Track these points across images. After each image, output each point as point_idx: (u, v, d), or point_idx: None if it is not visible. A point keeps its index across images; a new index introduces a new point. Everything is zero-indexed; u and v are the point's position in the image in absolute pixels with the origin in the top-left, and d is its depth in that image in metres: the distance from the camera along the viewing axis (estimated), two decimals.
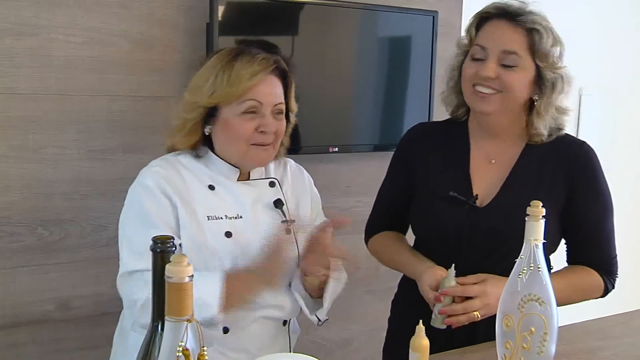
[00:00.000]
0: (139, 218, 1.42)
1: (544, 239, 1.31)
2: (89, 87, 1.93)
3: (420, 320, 1.17)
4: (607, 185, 1.54)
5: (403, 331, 1.61)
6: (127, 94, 1.99)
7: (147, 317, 1.22)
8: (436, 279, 1.41)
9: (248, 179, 1.54)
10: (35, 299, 1.92)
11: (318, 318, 1.54)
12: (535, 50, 1.44)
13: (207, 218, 1.45)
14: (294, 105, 1.57)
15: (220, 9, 1.98)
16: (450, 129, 1.61)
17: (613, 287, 1.55)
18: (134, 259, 1.39)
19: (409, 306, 1.61)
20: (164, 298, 0.75)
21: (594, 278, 1.51)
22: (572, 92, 1.54)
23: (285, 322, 1.58)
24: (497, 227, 1.47)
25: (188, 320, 0.73)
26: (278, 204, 1.53)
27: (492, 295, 1.38)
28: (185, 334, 0.73)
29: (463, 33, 2.51)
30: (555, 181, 1.49)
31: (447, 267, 1.42)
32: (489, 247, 1.48)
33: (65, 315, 1.96)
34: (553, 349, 1.17)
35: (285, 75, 1.53)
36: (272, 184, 1.57)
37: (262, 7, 2.10)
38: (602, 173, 1.54)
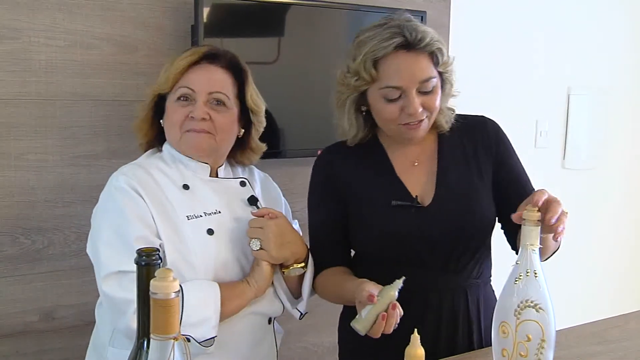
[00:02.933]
0: (116, 218, 1.38)
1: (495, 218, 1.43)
2: (72, 92, 1.89)
3: (416, 329, 1.13)
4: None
5: (355, 344, 1.59)
6: (111, 98, 1.95)
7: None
8: (376, 286, 1.31)
9: (217, 177, 1.55)
10: (18, 309, 1.87)
11: (299, 311, 1.57)
12: (440, 62, 1.45)
13: (186, 218, 1.43)
14: (253, 104, 1.56)
15: (206, 11, 1.95)
16: (361, 145, 1.58)
17: None
18: (118, 260, 1.34)
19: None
20: (149, 314, 0.72)
21: None
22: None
23: (270, 320, 1.57)
24: (448, 221, 1.47)
25: (175, 339, 0.70)
26: (253, 200, 1.55)
27: None
28: (172, 353, 0.70)
29: (451, 35, 2.49)
30: (479, 158, 1.54)
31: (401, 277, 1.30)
32: (446, 245, 1.47)
33: (49, 326, 1.91)
34: (551, 356, 1.15)
35: (240, 72, 1.54)
36: (242, 184, 1.58)
37: (247, 8, 2.06)
38: (506, 134, 1.61)
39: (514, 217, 1.20)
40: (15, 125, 1.82)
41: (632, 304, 2.94)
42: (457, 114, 1.58)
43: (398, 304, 1.26)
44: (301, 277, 1.54)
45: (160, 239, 1.39)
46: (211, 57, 1.50)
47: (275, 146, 2.19)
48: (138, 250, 0.81)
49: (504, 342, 1.15)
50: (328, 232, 1.58)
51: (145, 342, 0.79)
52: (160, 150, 1.56)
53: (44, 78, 1.85)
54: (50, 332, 1.91)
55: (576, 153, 3.14)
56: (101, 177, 1.92)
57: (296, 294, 1.57)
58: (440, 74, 1.47)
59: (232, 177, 1.58)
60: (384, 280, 1.33)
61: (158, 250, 0.81)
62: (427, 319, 1.48)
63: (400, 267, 1.45)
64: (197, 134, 1.47)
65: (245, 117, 1.57)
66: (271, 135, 2.17)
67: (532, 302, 1.12)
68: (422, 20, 2.39)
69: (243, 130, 1.58)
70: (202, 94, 1.46)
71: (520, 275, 1.12)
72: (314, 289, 1.58)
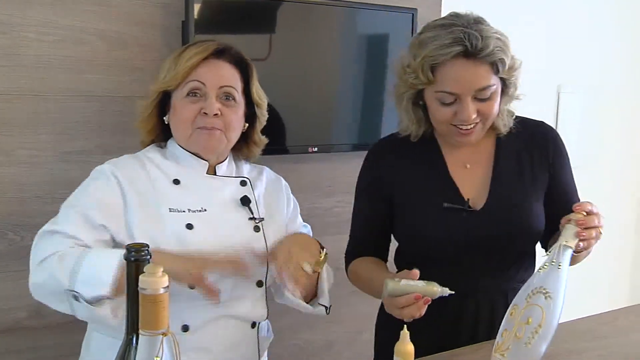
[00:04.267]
0: (79, 191, 1.45)
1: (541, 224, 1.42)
2: (64, 87, 1.88)
3: (405, 326, 1.14)
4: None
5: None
6: (103, 94, 1.94)
7: (37, 277, 1.30)
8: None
9: (215, 174, 1.53)
10: (8, 306, 1.86)
11: (324, 305, 1.51)
12: (500, 72, 1.43)
13: (169, 210, 1.43)
14: (258, 98, 1.56)
15: (197, 7, 1.94)
16: (417, 141, 1.57)
17: None
18: (56, 222, 1.38)
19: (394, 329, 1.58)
20: (138, 310, 0.72)
21: None
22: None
23: (254, 325, 1.54)
24: (499, 227, 1.46)
25: (163, 334, 0.70)
26: (245, 201, 1.51)
27: None
28: (161, 348, 0.70)
29: None
30: (535, 166, 1.52)
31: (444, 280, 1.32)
32: (493, 250, 1.47)
33: (40, 323, 1.90)
34: (543, 346, 1.15)
35: (245, 66, 1.53)
36: (243, 183, 1.55)
37: (238, 4, 2.06)
38: (564, 143, 1.60)
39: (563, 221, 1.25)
40: (6, 121, 1.81)
41: (622, 300, 2.96)
42: (517, 116, 1.56)
43: (425, 306, 1.26)
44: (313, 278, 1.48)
45: (114, 226, 1.38)
46: (219, 53, 1.49)
47: (267, 143, 2.18)
48: (127, 245, 0.81)
49: (508, 324, 1.17)
50: (370, 228, 1.61)
51: (134, 338, 0.79)
52: (162, 147, 1.56)
53: (35, 74, 1.84)
54: (40, 329, 1.91)
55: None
56: None
57: (310, 294, 1.51)
58: (504, 79, 1.45)
59: (234, 175, 1.56)
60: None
61: (147, 246, 0.81)
62: (464, 322, 1.49)
63: (442, 267, 1.44)
64: (209, 133, 1.45)
65: (248, 111, 1.56)
66: (263, 132, 2.18)
67: (544, 289, 1.13)
68: (413, 17, 2.40)
69: (247, 125, 1.57)
70: (213, 88, 1.45)
71: (546, 265, 1.15)
72: (347, 275, 1.62)
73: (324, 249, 1.46)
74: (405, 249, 1.60)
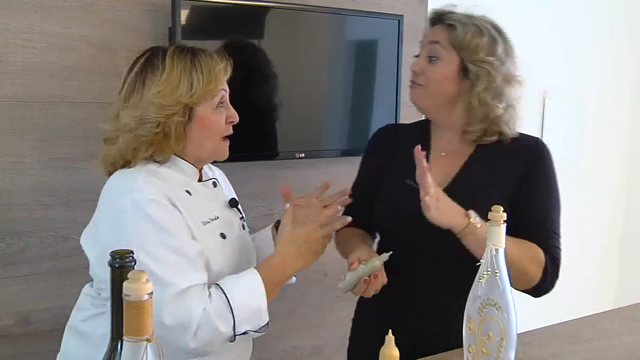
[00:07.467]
0: (160, 233, 1.27)
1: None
2: (49, 94, 1.88)
3: (390, 330, 1.14)
4: (556, 183, 1.56)
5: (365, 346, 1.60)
6: (89, 100, 1.94)
7: (201, 340, 1.26)
8: (368, 254, 1.44)
9: (200, 180, 1.49)
10: None
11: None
12: (455, 43, 1.49)
13: (202, 223, 1.37)
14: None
15: (184, 13, 1.95)
16: (417, 128, 1.67)
17: (553, 277, 1.49)
18: (180, 276, 1.25)
19: (368, 324, 1.62)
20: (122, 316, 0.71)
21: (537, 250, 1.47)
22: (518, 90, 1.54)
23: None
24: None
25: (147, 340, 0.70)
26: (234, 202, 1.54)
27: None
28: (145, 354, 0.70)
29: None
30: (505, 177, 1.52)
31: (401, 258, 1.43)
32: (440, 239, 1.45)
33: (25, 330, 1.89)
34: (512, 355, 1.16)
35: None
36: (214, 185, 1.54)
37: (225, 10, 2.07)
38: (554, 170, 1.56)
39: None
40: None
41: (604, 303, 2.97)
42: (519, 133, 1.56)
43: (382, 273, 1.42)
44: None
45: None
46: None
47: (254, 149, 2.19)
48: (112, 252, 0.80)
49: (470, 338, 1.17)
50: (357, 197, 1.64)
51: (119, 344, 0.79)
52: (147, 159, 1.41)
53: (20, 80, 1.83)
54: (26, 336, 1.90)
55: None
56: (79, 179, 1.92)
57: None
58: (463, 60, 1.49)
59: (207, 177, 1.53)
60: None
61: (132, 252, 0.81)
62: (411, 307, 1.53)
63: (396, 248, 1.47)
64: (227, 142, 1.47)
65: None
66: (251, 137, 2.18)
67: (492, 300, 1.13)
68: (399, 24, 2.42)
69: None
70: (227, 96, 1.46)
71: (484, 274, 1.14)
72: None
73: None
74: (377, 226, 1.67)
